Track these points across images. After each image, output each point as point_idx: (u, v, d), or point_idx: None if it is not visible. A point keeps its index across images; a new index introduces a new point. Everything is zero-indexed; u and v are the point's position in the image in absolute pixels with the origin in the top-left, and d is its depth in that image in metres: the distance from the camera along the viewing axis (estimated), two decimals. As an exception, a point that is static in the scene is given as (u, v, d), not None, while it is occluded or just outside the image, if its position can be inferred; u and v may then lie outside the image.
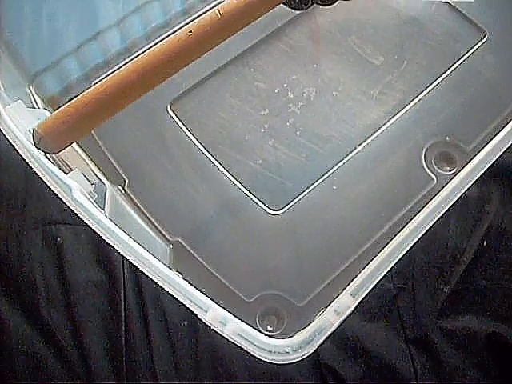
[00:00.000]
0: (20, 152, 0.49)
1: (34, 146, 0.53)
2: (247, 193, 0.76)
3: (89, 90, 0.54)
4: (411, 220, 0.52)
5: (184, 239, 0.73)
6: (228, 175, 0.77)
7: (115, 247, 0.46)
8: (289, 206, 0.75)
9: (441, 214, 0.52)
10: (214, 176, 0.77)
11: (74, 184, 0.47)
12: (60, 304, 0.74)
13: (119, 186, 0.75)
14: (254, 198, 0.75)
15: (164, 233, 0.73)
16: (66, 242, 0.75)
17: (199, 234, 0.74)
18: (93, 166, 0.64)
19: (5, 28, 0.74)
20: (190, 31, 0.56)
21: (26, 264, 0.76)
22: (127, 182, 0.76)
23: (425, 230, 0.51)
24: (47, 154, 0.54)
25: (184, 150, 0.79)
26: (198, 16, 0.88)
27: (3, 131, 0.50)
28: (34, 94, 0.78)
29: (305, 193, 0.76)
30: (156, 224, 0.74)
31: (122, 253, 0.45)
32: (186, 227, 0.74)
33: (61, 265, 0.75)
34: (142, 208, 0.75)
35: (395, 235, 0.54)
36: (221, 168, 0.77)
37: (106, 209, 0.54)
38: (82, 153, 0.64)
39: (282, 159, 0.79)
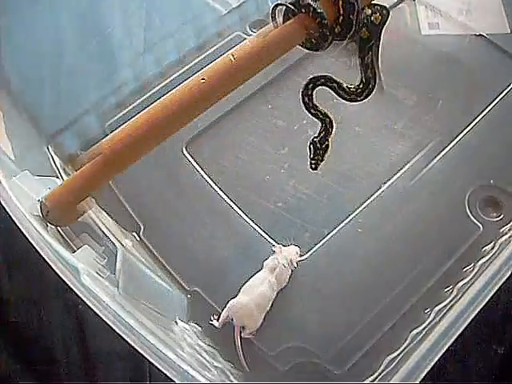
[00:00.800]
0: (23, 232, 0.46)
1: (43, 218, 0.50)
2: (268, 238, 0.71)
3: (96, 149, 0.50)
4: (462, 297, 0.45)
5: (202, 288, 0.68)
6: (247, 219, 0.72)
7: (124, 336, 0.42)
8: (311, 252, 0.70)
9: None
10: (232, 220, 0.73)
11: (81, 266, 0.44)
12: (82, 377, 0.69)
13: (134, 234, 0.72)
14: (274, 244, 0.70)
15: (181, 282, 0.69)
16: (87, 308, 0.70)
17: (217, 283, 0.69)
18: (103, 223, 0.60)
19: (23, 91, 0.72)
20: (203, 78, 0.53)
21: (45, 333, 0.71)
22: (142, 228, 0.72)
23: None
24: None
25: (201, 193, 0.75)
26: (212, 52, 0.88)
27: (6, 208, 0.47)
28: (52, 153, 0.76)
29: (328, 237, 0.70)
30: (172, 273, 0.70)
31: (131, 343, 0.41)
32: (203, 275, 0.70)
33: (82, 334, 0.71)
34: (157, 256, 0.70)
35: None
36: (239, 211, 0.73)
37: (117, 272, 0.50)
38: (90, 211, 0.60)
39: (303, 201, 0.74)
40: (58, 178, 0.70)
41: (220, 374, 0.52)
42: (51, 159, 0.75)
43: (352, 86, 0.60)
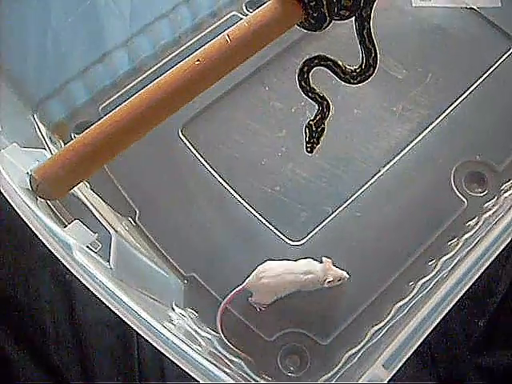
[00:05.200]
0: (13, 206, 0.45)
1: (33, 192, 0.49)
2: (265, 222, 0.71)
3: (89, 129, 0.50)
4: (449, 276, 0.46)
5: (199, 274, 0.69)
6: (244, 203, 0.72)
7: (120, 315, 0.42)
8: (309, 236, 0.70)
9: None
10: (229, 205, 0.73)
11: (73, 241, 0.43)
12: (70, 346, 0.70)
13: (129, 219, 0.71)
14: (272, 228, 0.71)
15: (178, 267, 0.69)
16: (76, 280, 0.71)
17: (215, 268, 0.70)
18: (96, 209, 0.60)
19: (6, 57, 0.70)
20: (198, 60, 0.52)
21: (33, 303, 0.72)
22: (138, 213, 0.72)
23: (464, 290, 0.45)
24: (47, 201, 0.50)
25: (197, 177, 0.74)
26: (209, 32, 0.87)
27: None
28: (38, 122, 0.74)
29: (326, 221, 0.71)
30: (169, 258, 0.70)
31: (129, 322, 0.42)
32: (200, 260, 0.70)
33: (70, 304, 0.72)
34: (153, 241, 0.71)
35: (429, 291, 0.49)
36: (237, 196, 0.73)
37: (111, 258, 0.50)
38: (83, 196, 0.59)
39: (301, 184, 0.74)
40: (45, 149, 0.69)
41: (217, 360, 0.53)
42: (37, 128, 0.74)
43: (348, 67, 0.59)
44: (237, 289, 0.65)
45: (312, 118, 0.60)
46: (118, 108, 0.50)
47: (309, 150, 0.61)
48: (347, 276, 0.66)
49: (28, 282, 0.73)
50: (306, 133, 0.61)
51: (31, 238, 0.73)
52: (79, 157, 0.48)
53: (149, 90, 0.50)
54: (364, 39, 0.57)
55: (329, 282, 0.65)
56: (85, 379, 0.69)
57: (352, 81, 0.59)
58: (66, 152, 0.49)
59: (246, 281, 0.65)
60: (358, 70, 0.59)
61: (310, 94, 0.59)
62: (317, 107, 0.60)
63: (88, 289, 0.47)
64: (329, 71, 0.60)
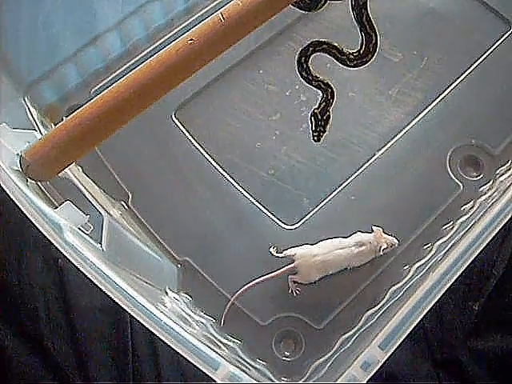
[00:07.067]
0: (3, 187, 0.44)
1: (23, 173, 0.48)
2: (259, 206, 0.71)
3: (80, 110, 0.49)
4: (445, 258, 0.46)
5: (192, 258, 0.69)
6: (238, 187, 0.72)
7: (112, 297, 0.41)
8: (304, 220, 0.70)
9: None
10: (223, 188, 0.72)
11: (64, 222, 0.42)
12: (63, 331, 0.70)
13: (122, 202, 0.71)
14: (266, 212, 0.71)
15: (171, 252, 0.69)
16: (68, 264, 0.70)
17: (209, 252, 0.69)
18: (88, 191, 0.59)
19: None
20: (191, 39, 0.51)
21: (26, 289, 0.71)
22: (131, 196, 0.72)
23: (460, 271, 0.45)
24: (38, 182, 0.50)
25: (190, 161, 0.74)
26: (202, 15, 0.86)
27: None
28: (29, 105, 0.73)
29: (321, 205, 0.71)
30: (162, 242, 0.69)
31: (121, 304, 0.41)
32: (194, 245, 0.70)
33: (63, 289, 0.71)
34: (147, 225, 0.70)
35: (424, 274, 0.49)
36: (230, 179, 0.72)
37: (103, 241, 0.49)
38: (75, 179, 0.59)
39: (295, 168, 0.74)
40: (35, 130, 0.68)
41: (211, 344, 0.52)
42: (28, 111, 0.73)
43: (346, 50, 0.58)
44: (283, 269, 0.65)
45: (316, 106, 0.60)
46: (109, 88, 0.49)
47: (316, 138, 0.60)
48: (397, 242, 0.67)
49: (20, 267, 0.72)
50: (311, 122, 0.60)
51: (22, 221, 0.73)
52: (70, 137, 0.48)
53: (141, 70, 0.49)
54: (364, 26, 0.57)
55: (384, 249, 0.65)
56: (78, 364, 0.68)
57: (349, 63, 0.59)
58: (56, 133, 0.48)
59: (295, 261, 0.65)
60: (355, 54, 0.58)
61: (313, 83, 0.59)
62: (321, 95, 0.59)
63: (80, 272, 0.46)
64: (326, 55, 0.59)
